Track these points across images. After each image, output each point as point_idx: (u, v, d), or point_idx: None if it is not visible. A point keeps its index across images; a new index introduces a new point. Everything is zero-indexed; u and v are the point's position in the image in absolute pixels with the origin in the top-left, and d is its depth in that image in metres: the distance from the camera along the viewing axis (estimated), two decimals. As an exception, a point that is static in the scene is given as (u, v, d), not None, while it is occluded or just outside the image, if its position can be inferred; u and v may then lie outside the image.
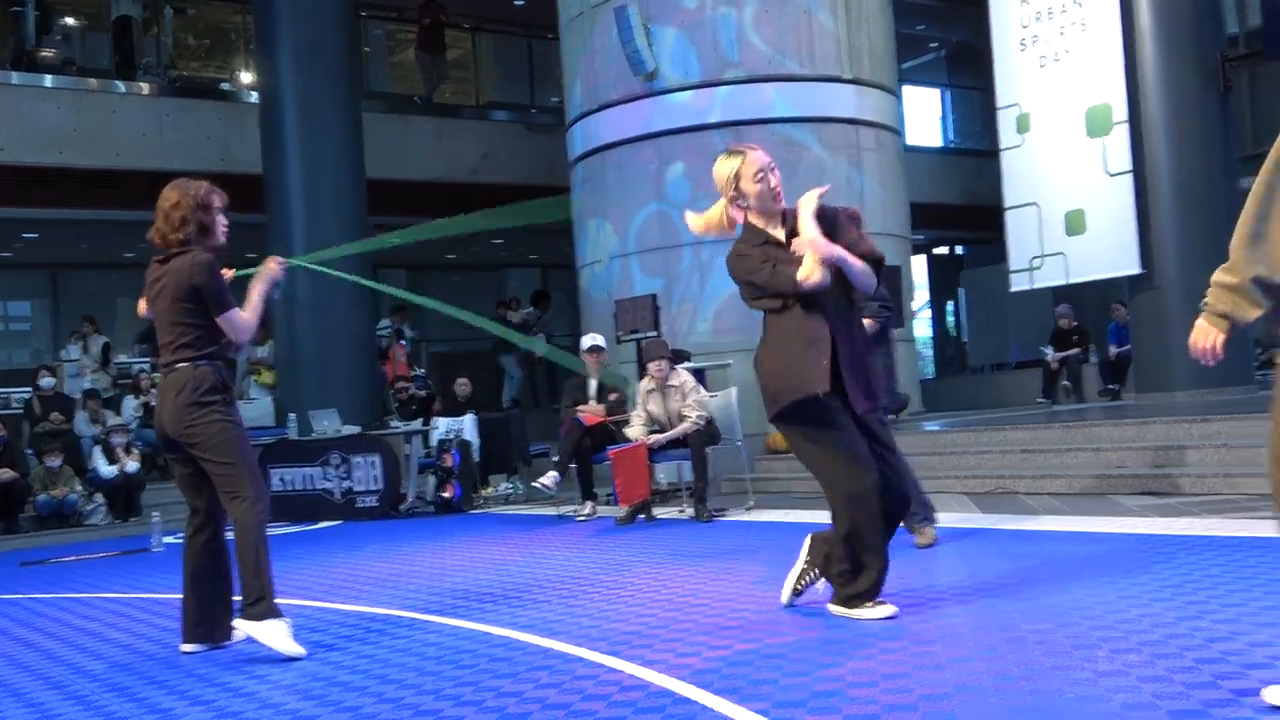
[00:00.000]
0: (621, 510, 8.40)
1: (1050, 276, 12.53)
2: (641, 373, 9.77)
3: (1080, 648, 3.28)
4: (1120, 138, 11.77)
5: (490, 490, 11.08)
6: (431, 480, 10.64)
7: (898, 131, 14.17)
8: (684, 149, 12.91)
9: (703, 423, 7.92)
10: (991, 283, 17.88)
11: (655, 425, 8.09)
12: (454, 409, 11.27)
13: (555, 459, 8.75)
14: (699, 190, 12.81)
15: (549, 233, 18.58)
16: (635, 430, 8.02)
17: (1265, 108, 16.56)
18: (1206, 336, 2.59)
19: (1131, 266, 11.77)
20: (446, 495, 10.23)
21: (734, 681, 3.22)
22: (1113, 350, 13.94)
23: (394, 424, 11.30)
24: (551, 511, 9.51)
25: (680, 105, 12.88)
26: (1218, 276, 2.61)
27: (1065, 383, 13.97)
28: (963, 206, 21.17)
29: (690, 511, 8.17)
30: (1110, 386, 13.77)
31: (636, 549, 6.76)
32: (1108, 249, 11.92)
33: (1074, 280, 12.48)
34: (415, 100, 18.01)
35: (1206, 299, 2.62)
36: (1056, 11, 12.33)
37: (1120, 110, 11.76)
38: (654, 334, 10.15)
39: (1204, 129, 11.75)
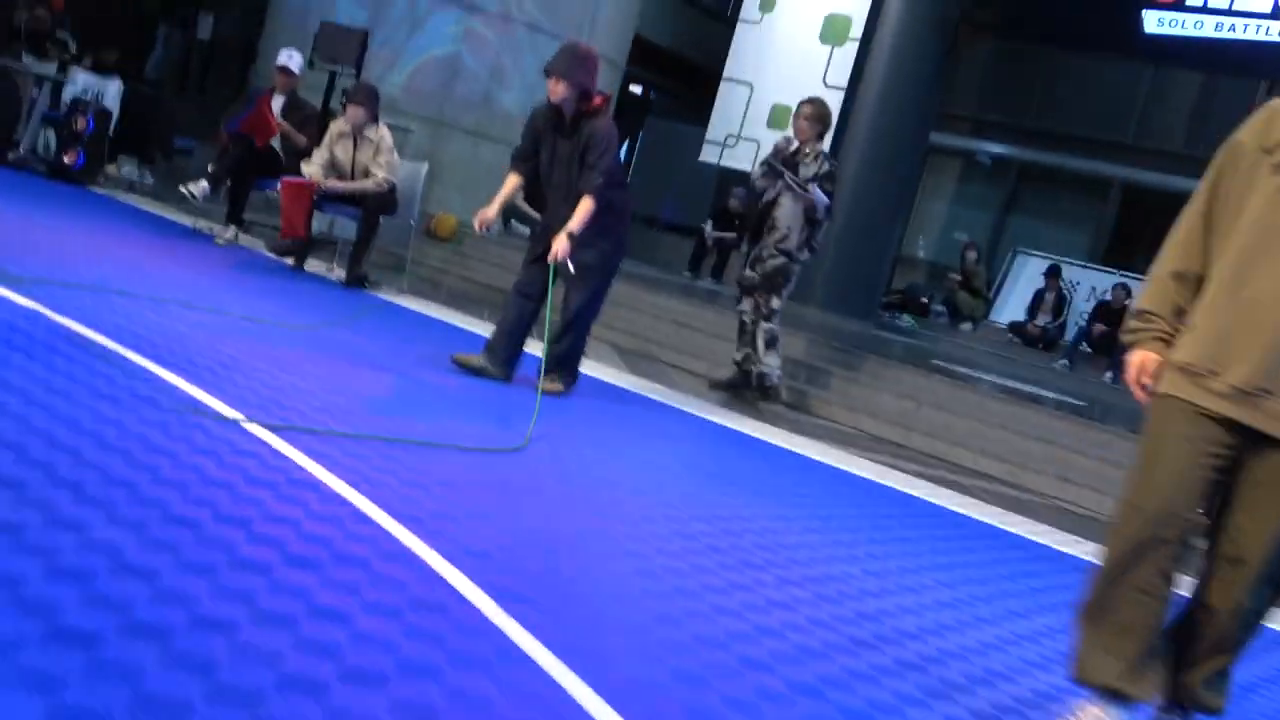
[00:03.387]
0: (271, 245, 7.82)
1: (739, 158, 12.81)
2: (325, 109, 9.05)
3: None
4: (848, 53, 12.09)
5: (114, 170, 9.94)
6: (51, 137, 9.38)
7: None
8: None
9: (386, 186, 7.44)
10: (672, 139, 18.06)
11: (335, 172, 7.52)
12: (99, 68, 9.92)
13: (210, 168, 7.94)
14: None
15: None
16: (313, 169, 7.41)
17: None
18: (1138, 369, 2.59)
19: (814, 179, 12.23)
20: (67, 160, 9.06)
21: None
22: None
23: (24, 58, 9.78)
24: (183, 220, 8.69)
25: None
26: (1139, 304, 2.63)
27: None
28: (670, 53, 21.12)
29: (340, 273, 7.73)
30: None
31: (280, 296, 6.30)
32: (799, 153, 12.29)
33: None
34: None
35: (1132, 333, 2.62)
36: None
37: (858, 27, 12.04)
38: (353, 72, 9.38)
39: (918, 77, 12.24)
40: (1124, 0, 10.87)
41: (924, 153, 12.82)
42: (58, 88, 9.56)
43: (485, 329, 7.13)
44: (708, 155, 13.08)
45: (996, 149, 18.11)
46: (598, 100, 5.24)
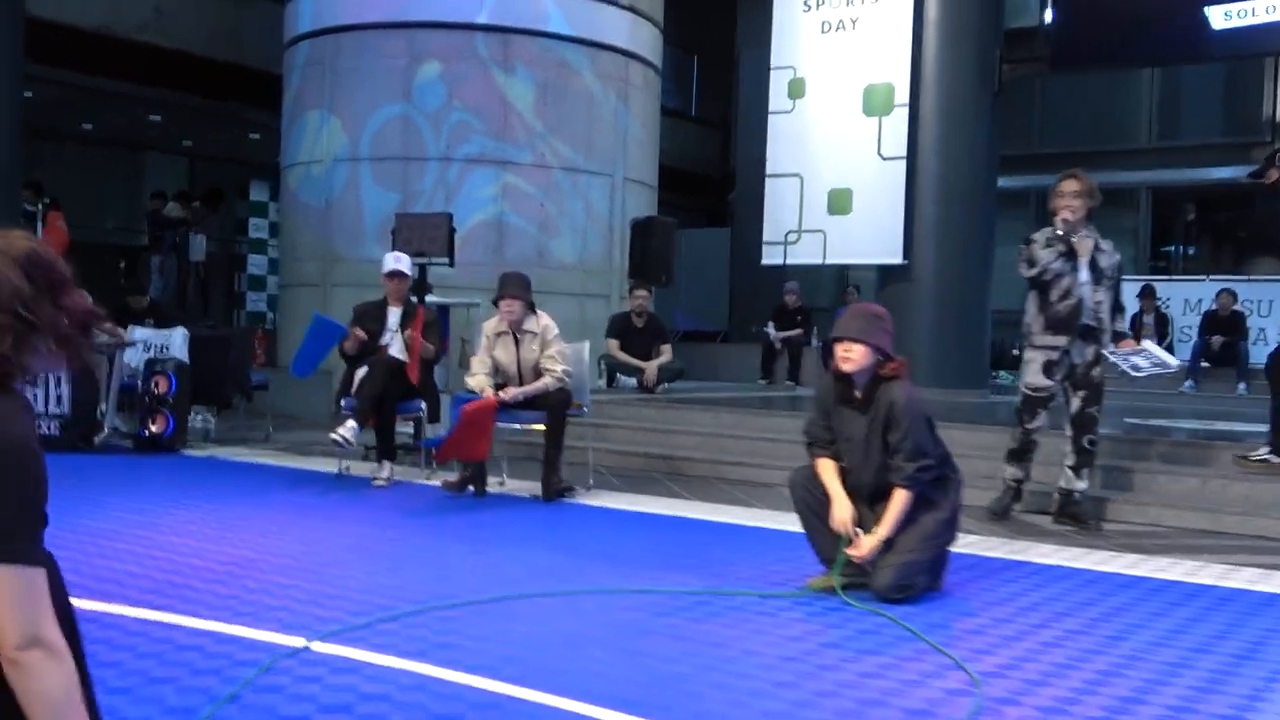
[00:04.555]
0: (436, 473, 6.92)
1: (804, 254, 12.12)
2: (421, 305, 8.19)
3: None
4: (899, 121, 11.52)
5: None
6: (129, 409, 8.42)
7: (660, 74, 13.22)
8: (442, 48, 11.26)
9: (568, 380, 6.57)
10: (686, 247, 17.43)
11: (500, 378, 6.64)
12: (156, 319, 8.99)
13: (346, 401, 7.01)
14: (455, 99, 11.23)
15: (207, 117, 16.00)
16: (479, 380, 6.52)
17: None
18: None
19: (895, 255, 11.54)
20: (156, 429, 8.07)
21: None
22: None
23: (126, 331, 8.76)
24: (309, 465, 7.73)
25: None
26: None
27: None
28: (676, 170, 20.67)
29: (514, 484, 6.84)
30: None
31: (546, 542, 5.39)
32: (872, 234, 11.61)
33: (831, 261, 12.18)
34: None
35: None
36: (848, -21, 11.85)
37: (903, 93, 11.50)
38: (445, 260, 8.57)
39: (975, 126, 11.74)
40: (1186, 6, 10.41)
41: (996, 199, 12.27)
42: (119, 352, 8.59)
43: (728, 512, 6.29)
44: (771, 257, 12.35)
45: (1007, 182, 17.71)
46: (894, 365, 4.32)
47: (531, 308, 6.64)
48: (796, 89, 12.17)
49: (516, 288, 6.56)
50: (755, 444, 8.08)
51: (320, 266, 11.59)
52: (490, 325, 6.70)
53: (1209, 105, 18.98)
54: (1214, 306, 12.55)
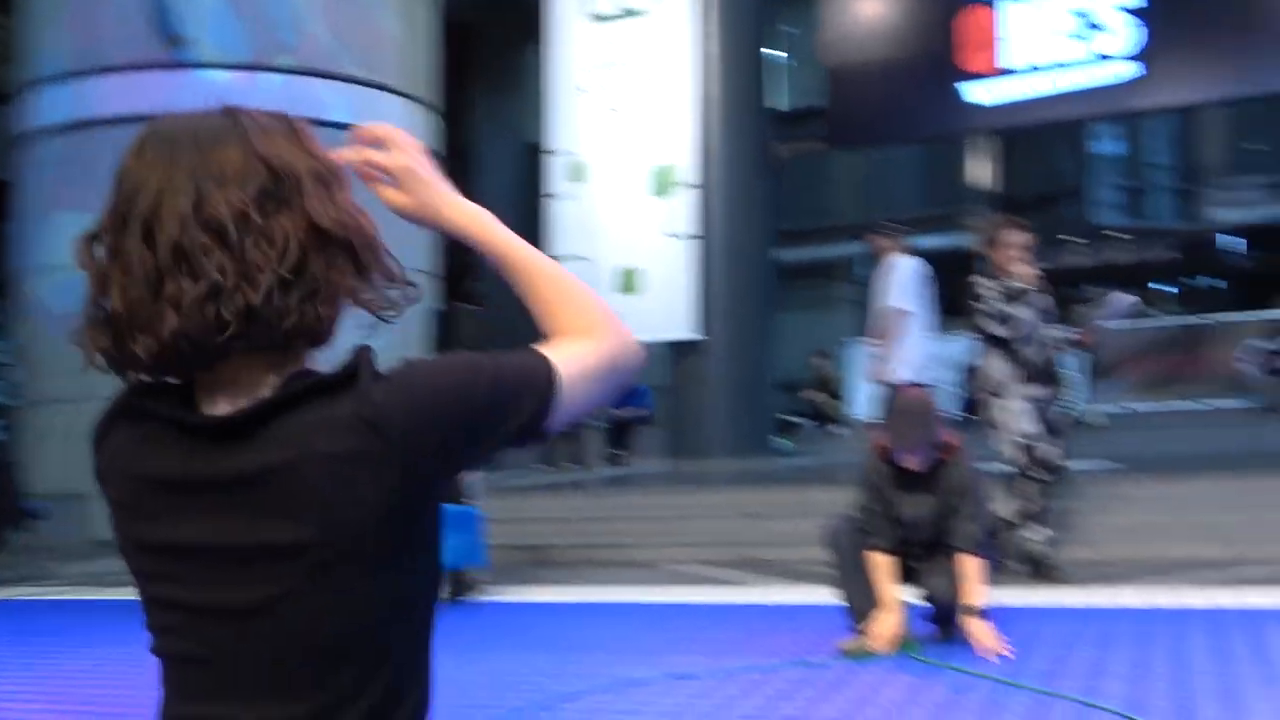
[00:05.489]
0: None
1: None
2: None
3: None
4: (684, 200, 11.73)
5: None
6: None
7: (443, 160, 12.87)
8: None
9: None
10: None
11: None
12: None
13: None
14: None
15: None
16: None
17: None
18: None
19: (690, 331, 11.68)
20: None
21: None
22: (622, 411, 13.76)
23: None
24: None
25: (217, 85, 10.45)
26: None
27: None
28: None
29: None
30: (615, 451, 13.60)
31: (463, 651, 4.90)
32: (665, 311, 11.69)
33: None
34: None
35: None
36: (623, 63, 12.03)
37: (687, 172, 11.74)
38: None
39: (756, 203, 12.14)
40: (945, 81, 11.22)
41: (776, 272, 12.70)
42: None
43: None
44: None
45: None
46: (952, 445, 4.37)
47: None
48: (578, 173, 12.20)
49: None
50: (621, 524, 7.90)
51: (75, 381, 10.43)
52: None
53: (914, 179, 20.58)
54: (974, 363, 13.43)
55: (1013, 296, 5.87)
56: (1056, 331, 6.01)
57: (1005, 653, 4.05)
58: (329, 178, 1.13)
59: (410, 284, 1.18)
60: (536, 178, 12.87)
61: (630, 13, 11.93)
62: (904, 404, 4.37)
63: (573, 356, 1.15)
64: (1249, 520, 6.62)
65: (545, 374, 1.12)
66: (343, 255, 1.11)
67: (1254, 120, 17.81)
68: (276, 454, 1.05)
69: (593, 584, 6.52)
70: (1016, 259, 5.90)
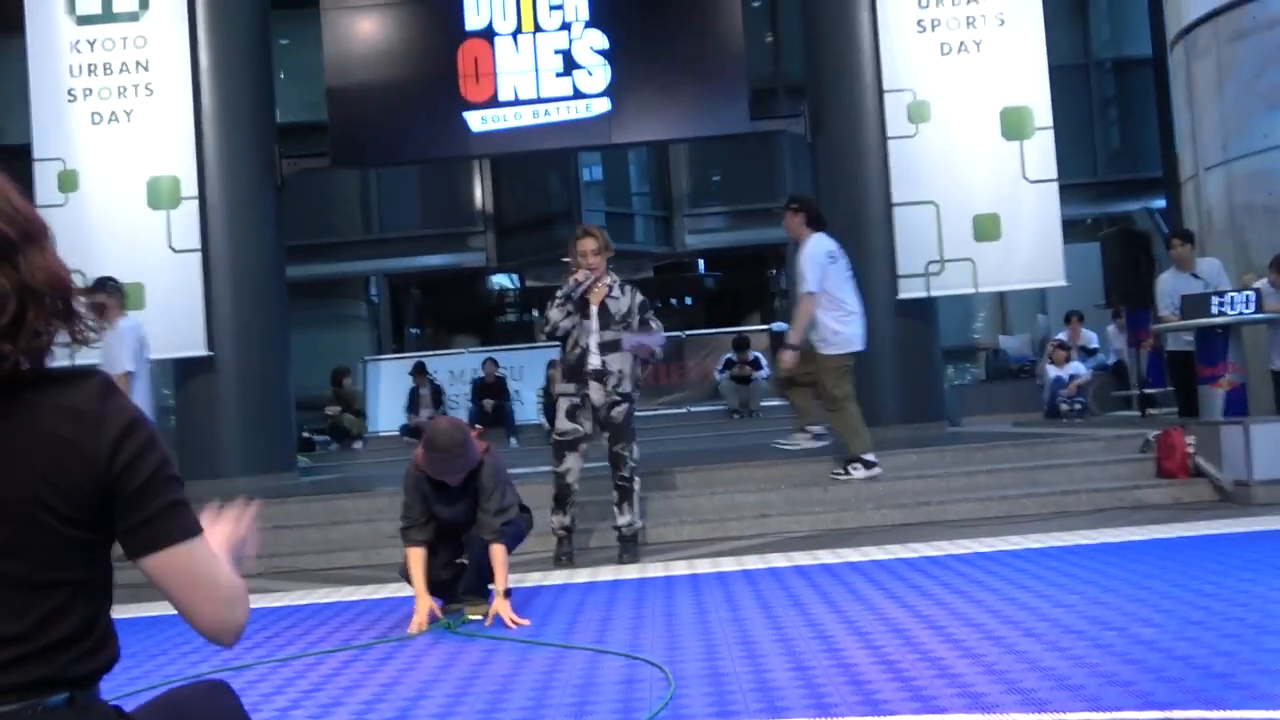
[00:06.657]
0: None
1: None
2: None
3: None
4: (189, 213, 11.42)
5: None
6: None
7: None
8: None
9: None
10: None
11: None
12: None
13: None
14: None
15: None
16: None
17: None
18: None
19: (197, 348, 11.35)
20: None
21: None
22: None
23: None
24: None
25: None
26: None
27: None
28: None
29: None
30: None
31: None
32: (171, 328, 11.20)
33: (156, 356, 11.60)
34: None
35: None
36: (115, 68, 11.46)
37: (190, 186, 11.43)
38: None
39: (265, 218, 12.02)
40: (446, 106, 11.85)
41: (289, 288, 12.64)
42: None
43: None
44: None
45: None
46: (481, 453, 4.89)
47: None
48: (69, 183, 11.48)
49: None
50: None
51: None
52: None
53: (417, 199, 21.11)
54: (482, 374, 14.14)
55: (569, 298, 6.30)
56: (609, 338, 6.35)
57: (523, 623, 4.68)
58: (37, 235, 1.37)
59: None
60: (23, 185, 11.89)
61: (115, 16, 11.42)
62: (438, 440, 4.70)
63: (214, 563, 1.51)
64: (724, 504, 7.80)
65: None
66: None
67: (714, 155, 20.20)
68: None
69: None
70: (582, 266, 6.28)
